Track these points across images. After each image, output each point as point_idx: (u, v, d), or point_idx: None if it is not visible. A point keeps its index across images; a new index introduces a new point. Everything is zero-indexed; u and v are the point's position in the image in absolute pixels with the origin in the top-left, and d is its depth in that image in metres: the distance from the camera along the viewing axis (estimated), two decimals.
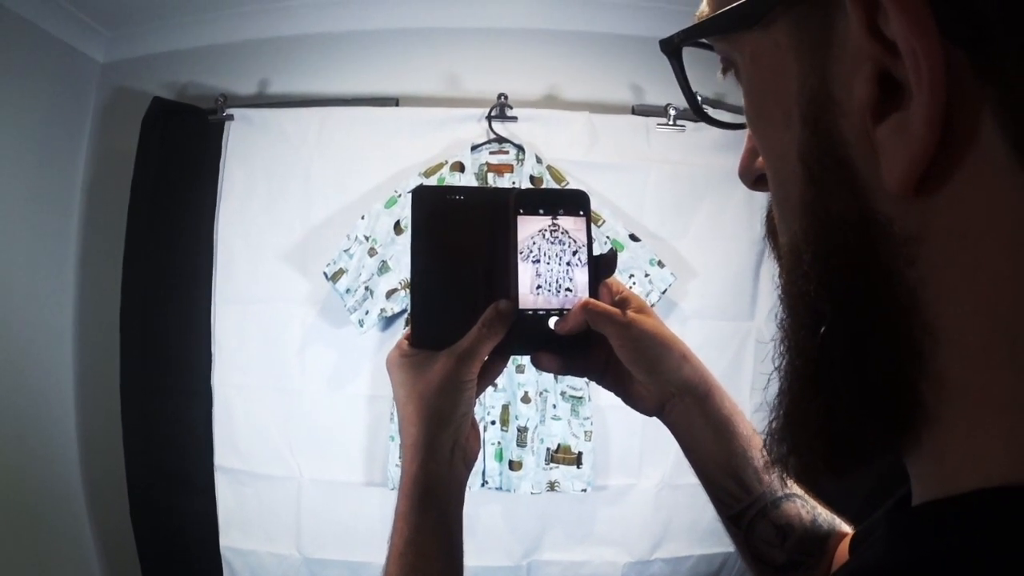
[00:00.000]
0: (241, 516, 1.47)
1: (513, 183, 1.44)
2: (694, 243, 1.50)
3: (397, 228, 1.41)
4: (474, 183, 1.42)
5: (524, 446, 1.38)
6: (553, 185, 1.42)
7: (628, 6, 1.55)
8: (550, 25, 1.58)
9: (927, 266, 0.19)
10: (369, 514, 1.45)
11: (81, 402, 1.61)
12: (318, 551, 1.45)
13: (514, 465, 1.38)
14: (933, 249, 0.19)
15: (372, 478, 1.45)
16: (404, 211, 1.42)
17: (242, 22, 1.61)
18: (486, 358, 0.45)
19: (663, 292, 1.41)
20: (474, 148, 1.45)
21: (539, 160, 1.44)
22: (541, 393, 1.40)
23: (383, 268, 1.40)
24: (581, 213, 0.45)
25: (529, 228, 0.44)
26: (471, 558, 0.44)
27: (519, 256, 0.44)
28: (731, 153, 1.53)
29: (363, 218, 1.40)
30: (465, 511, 0.46)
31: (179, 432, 1.49)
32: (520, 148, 1.45)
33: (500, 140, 1.46)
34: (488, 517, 1.45)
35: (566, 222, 0.45)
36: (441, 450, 0.42)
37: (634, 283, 1.39)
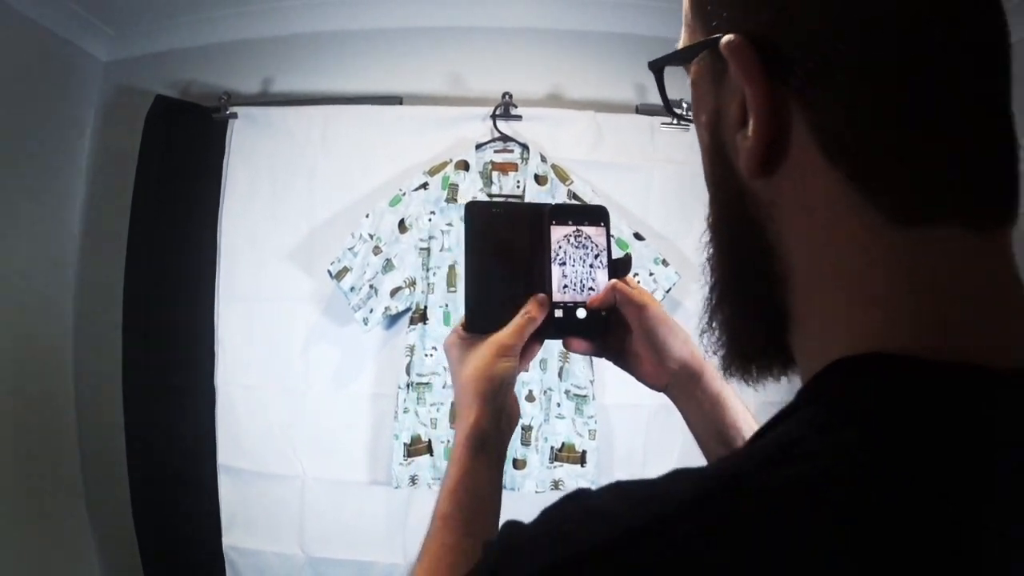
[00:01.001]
0: (244, 515, 1.46)
1: (518, 182, 1.44)
2: (698, 242, 1.49)
3: (401, 226, 1.41)
4: (479, 182, 1.42)
5: (528, 445, 1.38)
6: (557, 183, 1.42)
7: (632, 5, 1.55)
8: (554, 25, 1.58)
9: (780, 222, 0.30)
10: (373, 513, 1.44)
11: (83, 401, 1.61)
12: (321, 550, 1.44)
13: (518, 464, 1.38)
14: (782, 212, 0.30)
15: (376, 477, 1.45)
16: (408, 209, 1.42)
17: (246, 21, 1.61)
18: (526, 341, 0.53)
19: (667, 291, 1.41)
20: (479, 147, 1.45)
21: (543, 159, 1.44)
22: (545, 392, 1.40)
23: (387, 266, 1.40)
24: (602, 224, 0.55)
25: (560, 233, 0.54)
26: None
27: (553, 257, 0.53)
28: None
29: (368, 216, 1.40)
30: None
31: (182, 431, 1.48)
32: (525, 147, 1.45)
33: (505, 139, 1.46)
34: None
35: (590, 231, 0.54)
36: (492, 410, 0.49)
37: (639, 282, 1.39)
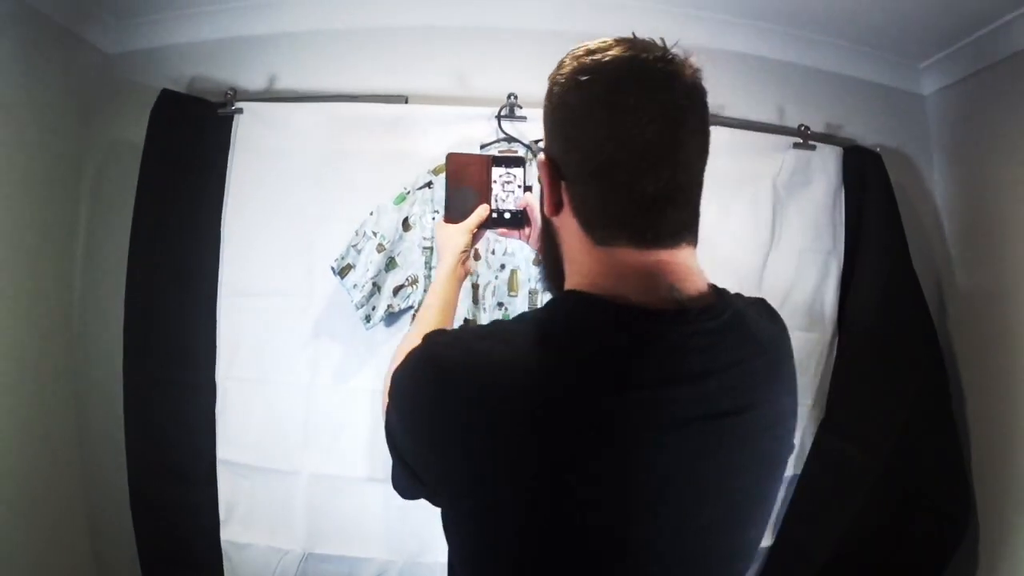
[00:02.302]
0: (242, 510, 1.46)
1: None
2: (699, 245, 1.50)
3: (405, 225, 1.41)
4: None
5: None
6: None
7: (635, 8, 1.56)
8: (560, 26, 1.59)
9: (561, 237, 0.62)
10: (370, 509, 1.44)
11: (83, 393, 1.60)
12: (319, 546, 1.45)
13: None
14: (561, 233, 0.62)
15: (374, 473, 1.45)
16: (412, 208, 1.42)
17: (252, 16, 1.61)
18: (477, 228, 0.94)
19: None
20: (483, 147, 1.45)
21: None
22: None
23: (391, 264, 1.40)
24: (520, 167, 0.95)
25: (497, 172, 0.94)
26: None
27: (492, 184, 0.94)
28: (737, 156, 1.54)
29: (372, 214, 1.40)
30: None
31: (181, 425, 1.48)
32: (529, 148, 1.45)
33: (509, 139, 1.46)
34: None
35: (513, 171, 0.95)
36: (458, 257, 0.90)
37: None
